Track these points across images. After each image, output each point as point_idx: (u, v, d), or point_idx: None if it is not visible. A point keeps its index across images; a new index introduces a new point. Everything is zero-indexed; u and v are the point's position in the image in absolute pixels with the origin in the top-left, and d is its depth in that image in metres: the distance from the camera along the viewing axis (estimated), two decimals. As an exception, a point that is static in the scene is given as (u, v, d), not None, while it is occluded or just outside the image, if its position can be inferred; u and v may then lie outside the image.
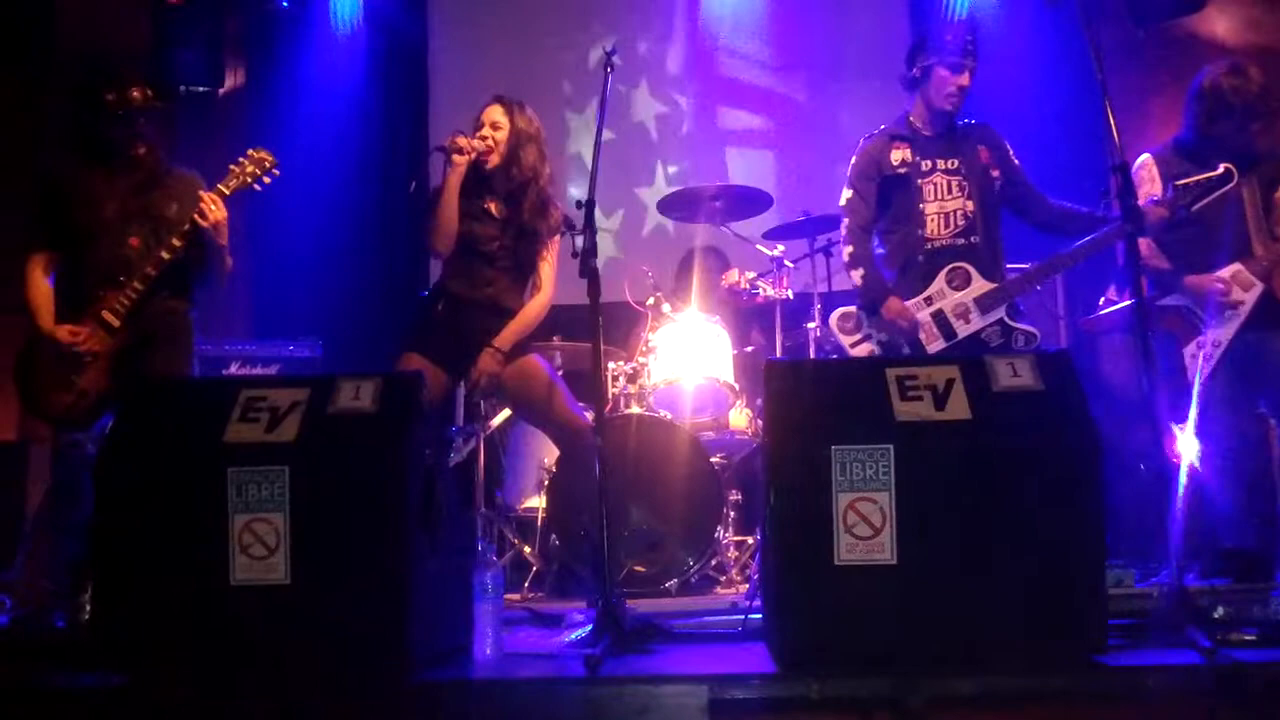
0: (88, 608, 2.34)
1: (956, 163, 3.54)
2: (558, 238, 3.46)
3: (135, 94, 3.43)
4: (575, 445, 3.47)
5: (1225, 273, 3.50)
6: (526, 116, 3.47)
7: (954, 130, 3.60)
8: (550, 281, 3.49)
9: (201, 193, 3.38)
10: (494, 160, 3.41)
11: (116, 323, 3.34)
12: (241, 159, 3.48)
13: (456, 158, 3.34)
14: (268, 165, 3.48)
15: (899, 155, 3.56)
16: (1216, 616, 2.57)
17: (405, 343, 3.47)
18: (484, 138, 3.40)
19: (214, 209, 3.34)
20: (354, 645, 2.15)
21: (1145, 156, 3.65)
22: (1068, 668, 2.06)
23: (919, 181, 3.53)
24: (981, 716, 1.98)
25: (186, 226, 3.36)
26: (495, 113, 3.45)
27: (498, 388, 3.48)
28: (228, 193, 3.41)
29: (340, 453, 2.24)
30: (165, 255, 3.35)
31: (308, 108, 5.72)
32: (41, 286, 3.43)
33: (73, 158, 3.55)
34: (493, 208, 3.44)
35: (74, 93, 3.57)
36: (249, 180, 3.46)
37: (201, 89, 5.59)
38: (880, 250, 3.63)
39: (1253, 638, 2.30)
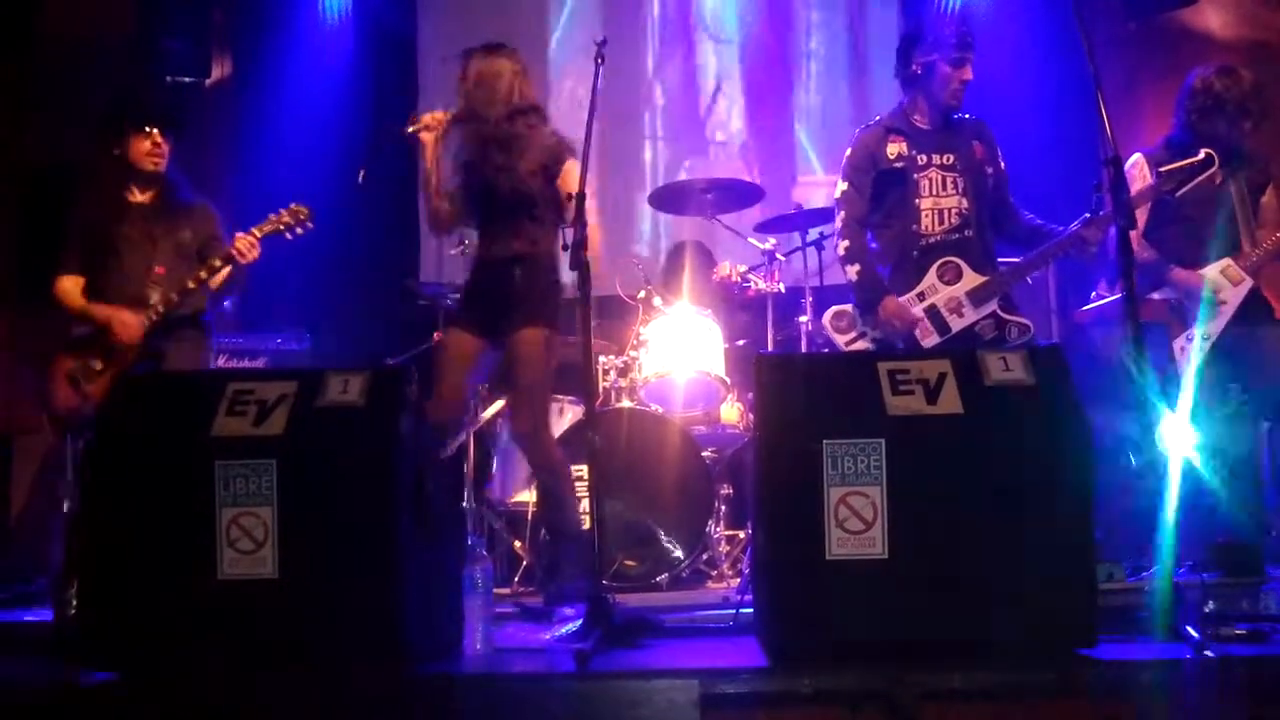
0: (74, 603, 2.32)
1: (952, 158, 3.52)
2: (569, 162, 3.31)
3: (145, 145, 3.63)
4: (543, 472, 3.35)
5: (1215, 267, 3.54)
6: (513, 54, 3.43)
7: (950, 124, 3.57)
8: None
9: (240, 238, 3.56)
10: (497, 112, 3.33)
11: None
12: (282, 210, 3.65)
13: (424, 135, 3.34)
14: (302, 217, 3.65)
15: (895, 149, 3.54)
16: (1206, 611, 2.58)
17: (448, 317, 3.45)
18: (467, 95, 3.36)
19: (251, 251, 3.55)
20: (343, 640, 2.14)
21: (1137, 156, 3.67)
22: (1058, 662, 2.06)
23: (915, 176, 3.51)
24: (972, 710, 1.98)
25: (217, 262, 3.56)
26: (490, 62, 3.38)
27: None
28: (259, 236, 3.58)
29: (328, 446, 2.22)
30: (191, 285, 3.55)
31: (296, 99, 5.68)
32: (80, 299, 3.62)
33: (92, 174, 3.75)
34: (499, 159, 3.34)
35: (97, 129, 3.78)
36: (281, 228, 3.63)
37: (188, 80, 5.54)
38: (873, 245, 3.61)
39: (1242, 632, 2.31)
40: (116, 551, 2.20)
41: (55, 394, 3.53)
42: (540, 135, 3.37)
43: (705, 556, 4.17)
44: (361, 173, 4.80)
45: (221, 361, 4.69)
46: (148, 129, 3.63)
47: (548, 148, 3.35)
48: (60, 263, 3.66)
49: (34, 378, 3.69)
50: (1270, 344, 3.52)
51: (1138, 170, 3.62)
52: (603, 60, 3.01)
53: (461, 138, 3.39)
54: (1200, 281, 3.52)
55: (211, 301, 3.75)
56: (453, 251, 4.79)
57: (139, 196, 3.69)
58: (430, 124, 3.35)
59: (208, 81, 5.68)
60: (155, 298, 3.55)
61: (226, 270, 3.60)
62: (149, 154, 3.63)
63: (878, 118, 3.67)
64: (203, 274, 3.55)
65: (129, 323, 3.52)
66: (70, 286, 3.63)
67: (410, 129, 3.38)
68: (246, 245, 3.55)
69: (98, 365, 3.54)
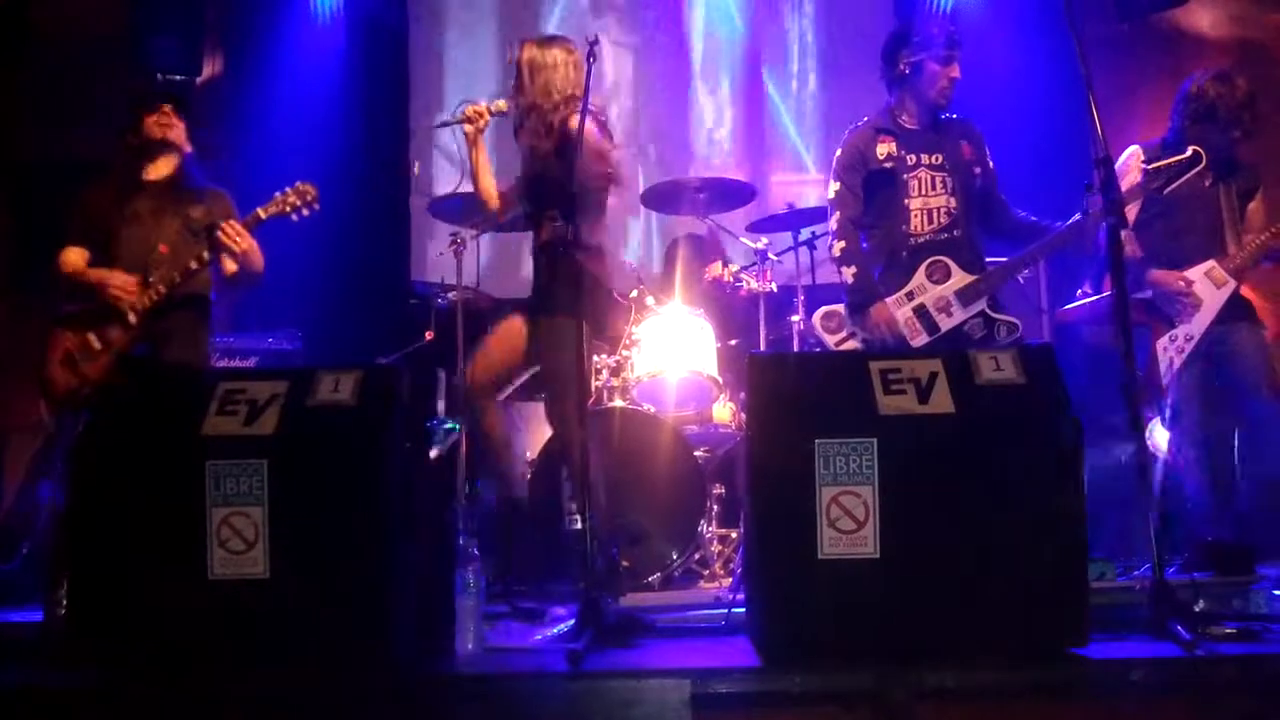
0: (64, 603, 2.31)
1: (940, 157, 3.53)
2: (588, 145, 3.13)
3: (154, 116, 3.58)
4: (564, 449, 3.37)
5: (1200, 269, 3.56)
6: (568, 45, 3.43)
7: (938, 123, 3.58)
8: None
9: (227, 224, 3.48)
10: (542, 102, 3.31)
11: (134, 320, 3.46)
12: (287, 189, 3.58)
13: (467, 127, 3.36)
14: (309, 198, 3.58)
15: (884, 149, 3.55)
16: (1197, 610, 2.59)
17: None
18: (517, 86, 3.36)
19: (240, 240, 3.47)
20: (334, 640, 2.13)
21: (1134, 148, 3.69)
22: (1049, 661, 2.07)
23: (904, 176, 3.52)
24: (964, 710, 1.98)
25: (206, 252, 3.50)
26: (544, 53, 3.35)
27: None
28: (264, 216, 3.53)
29: (320, 446, 2.22)
30: (193, 265, 3.48)
31: (287, 96, 5.66)
32: (80, 263, 3.54)
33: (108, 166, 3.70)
34: (533, 149, 3.35)
35: (116, 131, 3.71)
36: (287, 209, 3.56)
37: (179, 77, 5.52)
38: (863, 246, 3.62)
39: (1233, 631, 2.31)
40: (107, 552, 2.19)
41: (52, 376, 3.47)
42: (570, 124, 3.28)
43: (697, 556, 4.17)
44: (416, 165, 4.83)
45: (212, 361, 4.67)
46: (156, 104, 3.61)
47: (566, 133, 3.29)
48: (66, 235, 3.60)
49: (29, 367, 3.59)
50: (1250, 343, 3.55)
51: (1133, 160, 3.64)
52: (595, 59, 3.00)
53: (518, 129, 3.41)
54: (1177, 281, 3.54)
55: (220, 288, 3.69)
56: (441, 252, 4.78)
57: (153, 174, 3.63)
58: (471, 116, 3.36)
59: (199, 79, 5.66)
60: (156, 276, 3.47)
61: (230, 264, 3.53)
62: (158, 123, 3.58)
63: (865, 118, 3.68)
64: (206, 255, 3.48)
65: (126, 283, 3.45)
66: (75, 258, 3.56)
67: (452, 121, 3.40)
68: (233, 232, 3.46)
69: (96, 345, 3.47)
